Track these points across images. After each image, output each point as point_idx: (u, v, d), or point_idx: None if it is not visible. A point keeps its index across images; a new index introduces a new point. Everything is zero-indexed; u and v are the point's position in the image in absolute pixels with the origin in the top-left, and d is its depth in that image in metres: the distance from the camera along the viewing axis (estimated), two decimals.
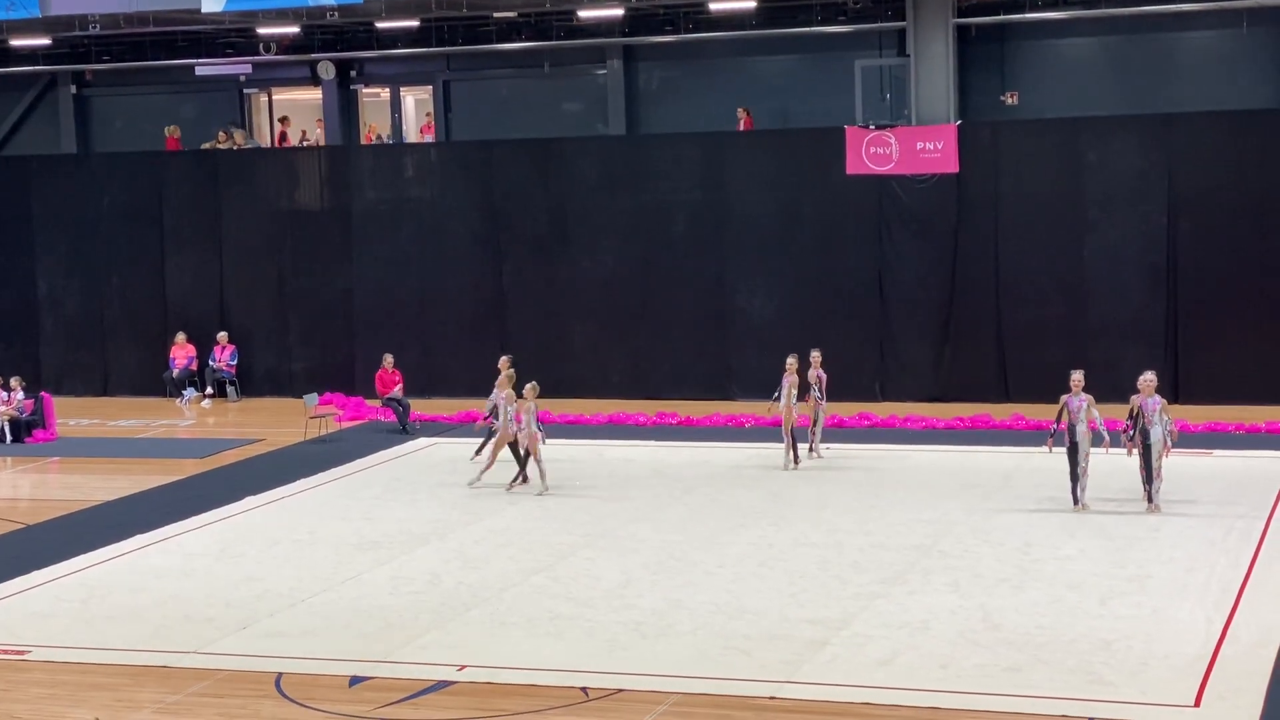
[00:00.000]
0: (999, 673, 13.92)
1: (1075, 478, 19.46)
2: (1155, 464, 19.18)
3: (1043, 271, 27.22)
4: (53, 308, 32.19)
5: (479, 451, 22.89)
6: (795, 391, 22.43)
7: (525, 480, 21.70)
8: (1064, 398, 19.41)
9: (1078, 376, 19.46)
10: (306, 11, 27.38)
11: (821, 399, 22.99)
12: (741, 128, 29.24)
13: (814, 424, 23.08)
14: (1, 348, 31.95)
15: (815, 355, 23.01)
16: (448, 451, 24.70)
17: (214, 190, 31.13)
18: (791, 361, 22.55)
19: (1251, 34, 27.19)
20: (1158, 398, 19.18)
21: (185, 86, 32.76)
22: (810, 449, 23.03)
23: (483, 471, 21.89)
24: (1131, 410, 19.24)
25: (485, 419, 22.83)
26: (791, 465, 22.54)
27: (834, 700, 13.41)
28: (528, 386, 21.46)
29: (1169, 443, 19.15)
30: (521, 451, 21.63)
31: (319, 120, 32.23)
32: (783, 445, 22.62)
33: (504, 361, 22.88)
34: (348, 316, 30.58)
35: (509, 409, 21.56)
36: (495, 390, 22.05)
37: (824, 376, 22.93)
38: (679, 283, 28.88)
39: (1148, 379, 19.30)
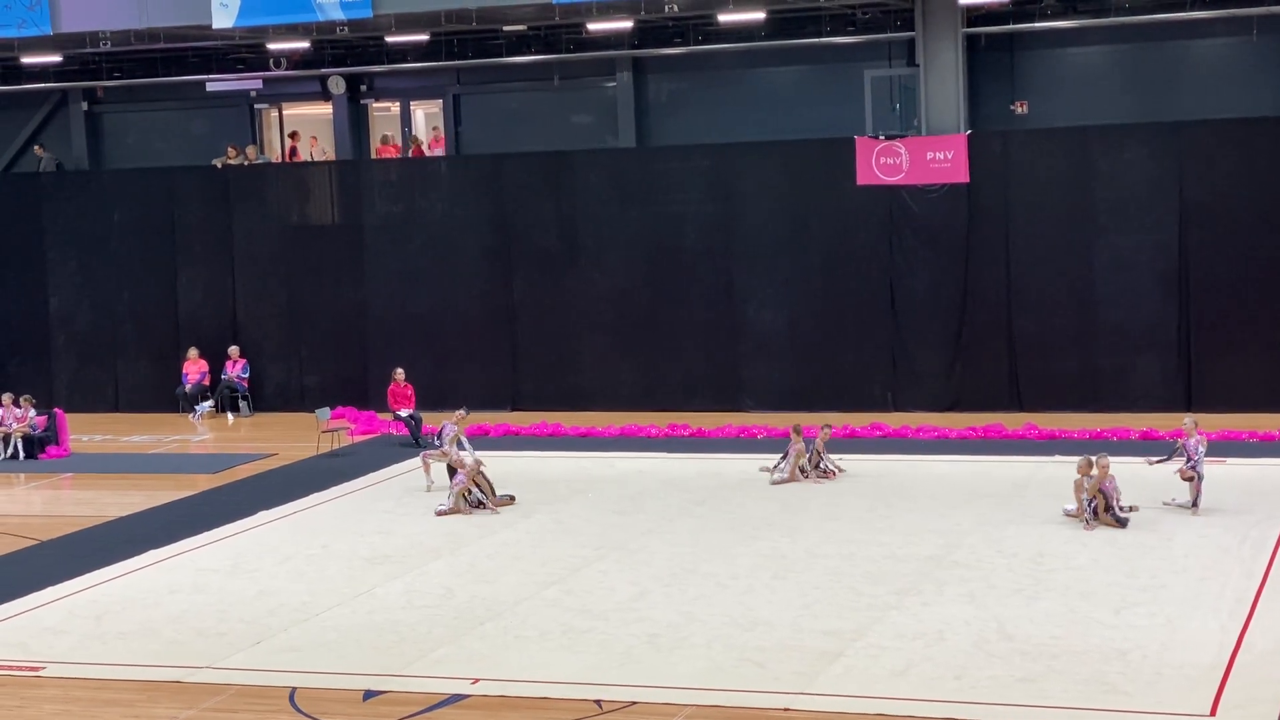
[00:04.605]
0: (1013, 683, 13.90)
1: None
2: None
3: (1054, 280, 27.18)
4: (64, 324, 32.23)
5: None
6: (800, 460, 22.42)
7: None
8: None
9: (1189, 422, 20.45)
10: (317, 26, 27.39)
11: (832, 468, 22.74)
12: (428, 151, 29.49)
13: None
14: (14, 364, 32.05)
15: (825, 430, 22.85)
16: None
17: (225, 205, 31.20)
18: (794, 437, 22.57)
19: (1261, 41, 27.15)
20: (1198, 436, 20.14)
21: (196, 102, 32.82)
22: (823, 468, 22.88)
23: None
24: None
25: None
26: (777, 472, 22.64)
27: (848, 712, 13.40)
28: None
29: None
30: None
31: (313, 138, 32.28)
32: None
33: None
34: (359, 330, 30.61)
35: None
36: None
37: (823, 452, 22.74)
38: (689, 294, 28.87)
39: (1187, 423, 20.37)
